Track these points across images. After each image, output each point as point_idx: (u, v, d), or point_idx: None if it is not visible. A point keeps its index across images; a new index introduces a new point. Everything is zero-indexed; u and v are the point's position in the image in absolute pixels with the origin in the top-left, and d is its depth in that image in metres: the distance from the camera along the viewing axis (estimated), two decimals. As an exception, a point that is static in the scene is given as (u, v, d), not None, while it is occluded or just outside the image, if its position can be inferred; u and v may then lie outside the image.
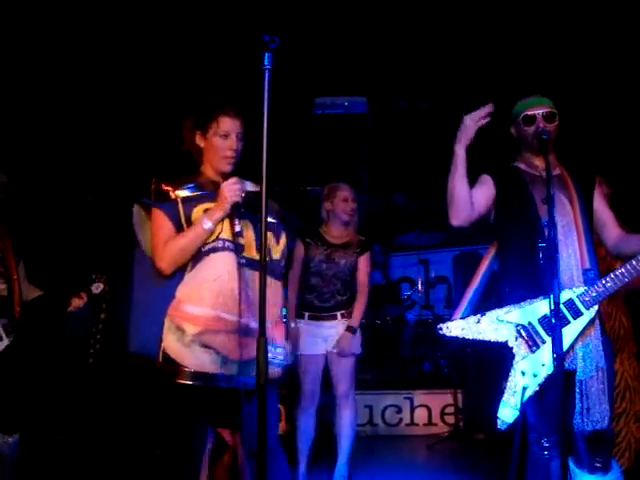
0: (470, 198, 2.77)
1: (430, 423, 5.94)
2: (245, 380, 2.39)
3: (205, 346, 2.36)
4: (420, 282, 7.62)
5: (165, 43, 4.73)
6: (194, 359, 2.36)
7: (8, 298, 3.34)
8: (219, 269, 2.43)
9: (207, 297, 2.40)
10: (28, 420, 3.45)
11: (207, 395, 2.43)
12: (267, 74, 2.09)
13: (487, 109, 2.72)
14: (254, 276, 2.44)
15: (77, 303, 3.49)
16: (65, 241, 5.55)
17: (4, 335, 3.27)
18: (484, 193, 2.86)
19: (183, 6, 4.37)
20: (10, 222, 3.57)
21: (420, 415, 5.97)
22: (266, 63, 2.08)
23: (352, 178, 4.37)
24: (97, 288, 3.56)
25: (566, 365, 2.60)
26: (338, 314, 3.99)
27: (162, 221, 2.50)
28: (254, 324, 2.37)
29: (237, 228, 2.50)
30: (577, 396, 2.59)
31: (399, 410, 5.99)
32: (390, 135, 6.27)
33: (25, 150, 5.18)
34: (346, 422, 4.00)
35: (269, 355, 2.20)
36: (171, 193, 2.52)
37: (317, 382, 4.00)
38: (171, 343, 2.38)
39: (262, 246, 2.10)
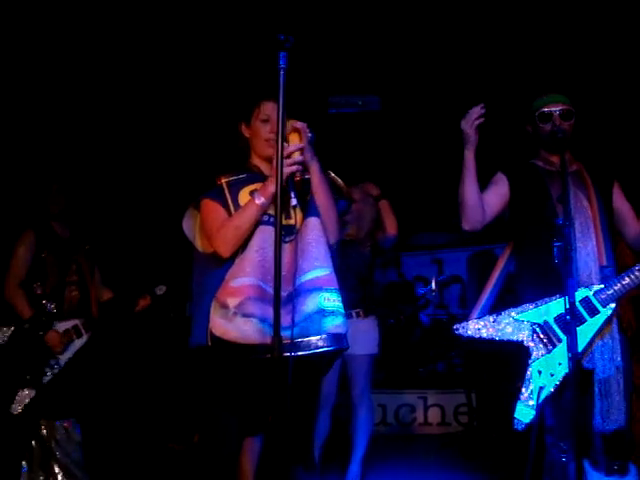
0: (481, 202, 2.76)
1: (444, 422, 5.93)
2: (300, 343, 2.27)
3: (246, 315, 2.28)
4: (434, 281, 7.59)
5: (198, 49, 4.78)
6: (237, 331, 2.28)
7: (83, 300, 3.82)
8: (261, 240, 2.38)
9: (248, 268, 2.35)
10: (92, 408, 3.88)
11: (258, 371, 2.31)
12: (282, 73, 2.09)
13: (478, 109, 2.70)
14: (300, 243, 2.39)
15: (143, 303, 3.96)
16: (135, 246, 5.87)
17: (84, 332, 3.74)
18: (497, 193, 2.85)
19: (204, 8, 4.39)
20: (84, 232, 4.03)
21: (434, 414, 5.96)
22: (281, 62, 2.09)
23: (365, 176, 4.36)
24: (160, 290, 4.00)
25: (584, 364, 2.59)
26: (353, 313, 3.97)
27: (212, 208, 2.49)
28: (285, 294, 2.30)
29: (293, 202, 2.39)
30: (597, 396, 2.58)
31: (413, 409, 5.98)
32: (403, 133, 6.26)
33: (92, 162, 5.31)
34: (361, 422, 3.98)
35: (327, 302, 2.21)
36: (217, 181, 2.53)
37: (333, 384, 3.98)
38: (216, 322, 2.32)
39: (276, 252, 2.08)
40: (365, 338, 4.00)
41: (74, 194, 3.96)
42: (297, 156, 2.38)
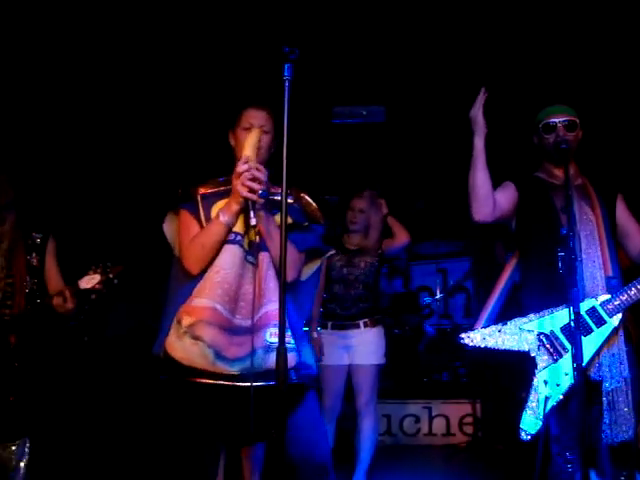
0: (492, 192, 2.75)
1: (448, 433, 5.90)
2: (249, 379, 2.21)
3: (195, 338, 2.25)
4: (439, 291, 7.59)
5: (192, 55, 4.78)
6: (183, 351, 2.26)
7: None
8: (223, 261, 2.33)
9: (207, 289, 2.31)
10: (35, 425, 3.36)
11: (210, 395, 2.29)
12: (287, 84, 2.08)
13: (482, 96, 2.74)
14: (260, 273, 2.33)
15: (56, 301, 3.22)
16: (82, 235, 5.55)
17: None
18: (507, 196, 2.85)
19: (208, 18, 4.41)
20: (34, 220, 3.57)
21: (438, 425, 5.93)
22: (286, 74, 2.08)
23: (371, 186, 4.38)
24: (88, 282, 3.24)
25: (592, 375, 2.58)
26: (361, 323, 3.97)
27: (187, 220, 2.46)
28: (248, 323, 2.28)
29: (252, 222, 2.32)
30: (605, 407, 2.57)
31: (417, 420, 5.95)
32: (408, 142, 6.27)
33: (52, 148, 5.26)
34: (366, 433, 3.97)
35: (273, 338, 2.16)
36: (195, 193, 2.50)
37: (339, 397, 3.98)
38: (170, 337, 2.31)
39: (281, 263, 2.03)
40: (372, 348, 4.00)
41: (24, 184, 3.56)
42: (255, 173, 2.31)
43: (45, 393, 3.57)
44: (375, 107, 5.62)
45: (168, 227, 2.56)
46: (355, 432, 4.03)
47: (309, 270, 2.56)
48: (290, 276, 2.35)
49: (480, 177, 2.72)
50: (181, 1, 4.28)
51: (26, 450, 3.28)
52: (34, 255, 3.50)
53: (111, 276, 3.25)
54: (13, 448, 3.25)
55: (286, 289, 2.26)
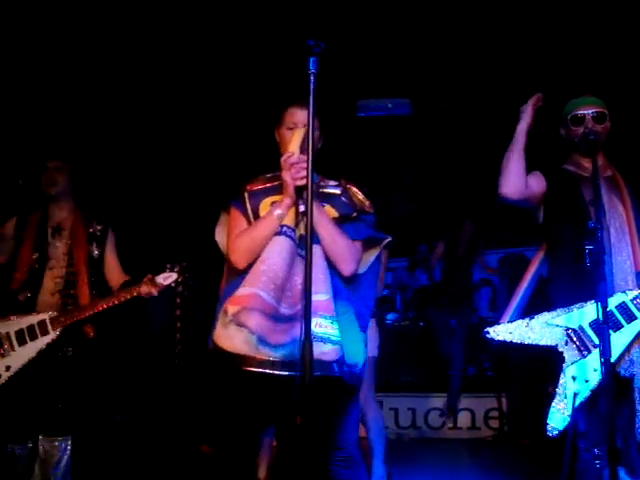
0: (525, 171, 2.74)
1: (474, 427, 5.88)
2: (293, 368, 2.17)
3: (239, 324, 2.26)
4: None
5: (235, 55, 4.89)
6: (228, 339, 2.27)
7: (64, 292, 3.34)
8: (269, 251, 2.35)
9: (252, 276, 2.33)
10: (80, 423, 3.39)
11: (254, 381, 2.30)
12: (312, 78, 2.07)
13: (536, 98, 2.78)
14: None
15: (146, 290, 3.26)
16: (150, 231, 5.69)
17: (50, 328, 3.23)
18: (538, 182, 2.83)
19: (234, 15, 4.46)
20: (94, 211, 3.60)
21: (464, 419, 5.91)
22: (311, 67, 2.07)
23: (395, 180, 4.37)
24: (166, 279, 3.29)
25: (622, 372, 2.55)
26: None
27: (235, 216, 2.50)
28: (293, 312, 2.29)
29: (301, 208, 2.36)
30: (637, 404, 2.53)
31: (442, 413, 5.94)
32: (433, 138, 6.25)
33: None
34: (373, 425, 3.95)
35: (318, 328, 2.15)
36: (242, 190, 2.53)
37: None
38: (217, 328, 2.33)
39: (307, 249, 2.05)
40: None
41: (77, 173, 3.56)
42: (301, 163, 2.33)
43: (95, 391, 3.56)
44: (401, 99, 5.59)
45: (219, 228, 2.59)
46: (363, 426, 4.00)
47: (367, 261, 2.54)
48: (348, 269, 2.41)
49: (515, 158, 2.72)
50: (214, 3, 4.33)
51: (68, 446, 3.32)
52: (95, 245, 3.50)
53: (187, 276, 3.30)
54: (56, 443, 3.30)
55: (344, 282, 2.39)
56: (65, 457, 3.31)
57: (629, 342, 2.55)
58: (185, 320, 3.50)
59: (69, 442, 3.32)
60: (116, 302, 3.25)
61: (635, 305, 2.56)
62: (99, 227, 3.54)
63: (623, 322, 2.56)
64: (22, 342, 3.23)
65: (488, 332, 2.73)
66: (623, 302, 2.57)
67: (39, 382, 3.25)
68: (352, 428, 2.50)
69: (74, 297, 3.36)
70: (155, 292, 3.26)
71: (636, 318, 2.56)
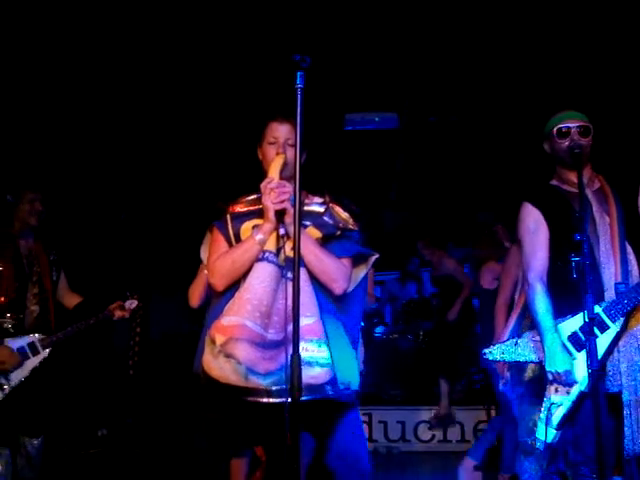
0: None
1: (463, 440, 5.87)
2: (284, 393, 2.17)
3: (227, 356, 2.28)
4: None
5: (217, 70, 4.88)
6: (219, 370, 2.29)
7: (42, 315, 3.69)
8: (253, 278, 2.35)
9: (236, 306, 2.33)
10: (54, 425, 3.77)
11: (245, 410, 2.33)
12: (299, 93, 2.08)
13: None
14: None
15: (120, 314, 3.80)
16: (102, 257, 5.80)
17: (40, 348, 3.61)
18: (545, 239, 2.78)
19: (220, 29, 4.46)
20: (48, 238, 3.88)
21: (453, 431, 5.91)
22: (298, 82, 2.08)
23: (381, 193, 4.38)
24: (131, 304, 3.85)
25: (609, 387, 2.56)
26: None
27: (217, 237, 2.50)
28: (281, 337, 2.28)
29: (282, 231, 2.36)
30: (626, 418, 2.52)
31: (432, 426, 5.93)
32: (421, 150, 6.27)
33: (64, 169, 5.37)
34: None
35: (304, 353, 2.11)
36: (225, 211, 2.53)
37: None
38: (206, 356, 2.34)
39: (295, 265, 2.05)
40: None
41: (50, 203, 3.82)
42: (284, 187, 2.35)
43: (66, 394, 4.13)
44: (388, 113, 5.62)
45: (204, 248, 2.61)
46: None
47: (357, 277, 2.53)
48: (340, 288, 2.40)
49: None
50: (199, 15, 4.33)
51: (41, 446, 3.63)
52: (54, 270, 3.86)
53: (141, 305, 3.87)
54: (35, 442, 3.61)
55: (333, 300, 2.39)
56: (38, 456, 3.62)
57: (604, 351, 2.54)
58: (142, 338, 3.92)
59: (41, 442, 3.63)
60: (92, 322, 3.74)
61: (607, 314, 2.56)
62: (54, 253, 3.89)
63: (597, 332, 2.52)
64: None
65: (485, 353, 2.79)
66: (596, 312, 2.54)
67: (21, 389, 3.60)
68: (360, 443, 2.51)
69: (49, 318, 3.74)
70: (127, 315, 3.83)
71: (608, 327, 2.56)
